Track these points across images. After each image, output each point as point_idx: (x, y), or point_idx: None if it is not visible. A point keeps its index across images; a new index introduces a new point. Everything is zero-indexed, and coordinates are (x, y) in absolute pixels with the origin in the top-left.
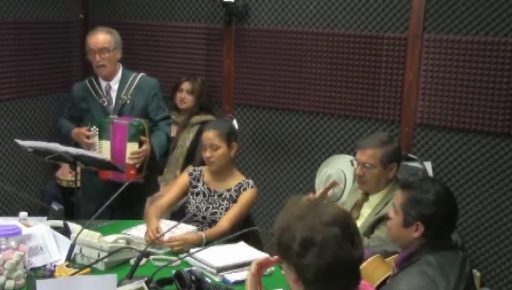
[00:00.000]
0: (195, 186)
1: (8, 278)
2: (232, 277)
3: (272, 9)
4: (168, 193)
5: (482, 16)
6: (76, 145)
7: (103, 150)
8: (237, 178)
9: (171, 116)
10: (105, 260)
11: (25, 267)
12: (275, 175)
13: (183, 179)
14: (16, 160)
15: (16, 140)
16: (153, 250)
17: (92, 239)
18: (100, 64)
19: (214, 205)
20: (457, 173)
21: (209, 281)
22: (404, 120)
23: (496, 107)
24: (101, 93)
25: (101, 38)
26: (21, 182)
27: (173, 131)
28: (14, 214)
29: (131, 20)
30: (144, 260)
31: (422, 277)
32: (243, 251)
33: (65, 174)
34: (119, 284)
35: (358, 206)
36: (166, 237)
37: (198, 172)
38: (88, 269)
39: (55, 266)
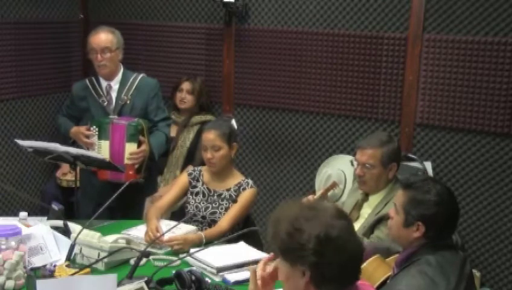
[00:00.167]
0: (195, 186)
1: (8, 278)
2: (232, 277)
3: (272, 9)
4: (168, 193)
5: (482, 16)
6: (74, 143)
7: (102, 150)
8: (237, 178)
9: (171, 117)
10: (105, 260)
11: (25, 267)
12: (275, 175)
13: (183, 179)
14: (15, 160)
15: (15, 140)
16: (153, 250)
17: (92, 239)
18: (102, 64)
19: (213, 204)
20: (457, 173)
21: (209, 281)
22: (404, 120)
23: (496, 107)
24: (101, 93)
25: (104, 37)
26: (21, 182)
27: (173, 131)
28: (14, 214)
29: (132, 20)
30: (144, 260)
31: (423, 277)
32: (243, 251)
33: (65, 174)
34: (119, 284)
35: (358, 206)
36: (166, 237)
37: (198, 172)
38: (88, 269)
39: (55, 266)
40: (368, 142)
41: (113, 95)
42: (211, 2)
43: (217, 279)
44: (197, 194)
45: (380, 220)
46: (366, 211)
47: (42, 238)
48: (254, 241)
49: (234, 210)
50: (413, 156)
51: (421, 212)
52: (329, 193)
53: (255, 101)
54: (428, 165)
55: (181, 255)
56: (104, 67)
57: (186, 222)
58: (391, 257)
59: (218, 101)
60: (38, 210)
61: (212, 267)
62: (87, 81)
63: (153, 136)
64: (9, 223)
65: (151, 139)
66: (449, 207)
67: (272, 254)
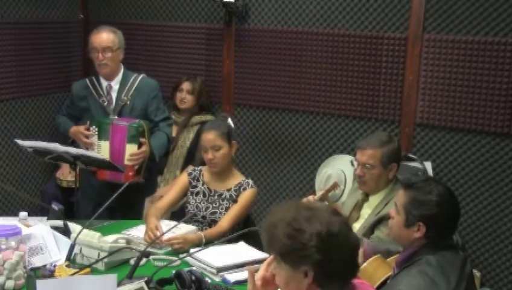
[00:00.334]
0: (195, 186)
1: (8, 278)
2: (232, 277)
3: (272, 9)
4: (168, 193)
5: (482, 16)
6: (74, 143)
7: (102, 151)
8: (237, 178)
9: (172, 117)
10: (105, 260)
11: (25, 267)
12: (275, 175)
13: (183, 179)
14: (16, 160)
15: (15, 140)
16: (153, 250)
17: (92, 239)
18: (103, 63)
19: (213, 204)
20: (457, 173)
21: (209, 281)
22: (404, 120)
23: (496, 107)
24: (101, 92)
25: (105, 37)
26: (21, 182)
27: (173, 131)
28: (14, 214)
29: (132, 20)
30: (144, 260)
31: (423, 277)
32: (243, 251)
33: (65, 175)
34: (119, 284)
35: (358, 206)
36: (165, 237)
37: (198, 172)
38: (88, 269)
39: (55, 266)
40: (368, 143)
41: (114, 95)
42: (211, 2)
43: (217, 279)
44: (197, 194)
45: (380, 221)
46: (366, 212)
47: (42, 238)
48: (254, 241)
49: (234, 210)
50: (413, 156)
51: (422, 213)
52: (330, 194)
53: (255, 101)
54: (428, 165)
55: (181, 255)
56: (105, 66)
57: (186, 222)
58: (391, 257)
59: (218, 101)
60: (38, 210)
61: (212, 267)
62: (87, 80)
63: (154, 136)
64: (9, 223)
65: (152, 140)
66: (450, 208)
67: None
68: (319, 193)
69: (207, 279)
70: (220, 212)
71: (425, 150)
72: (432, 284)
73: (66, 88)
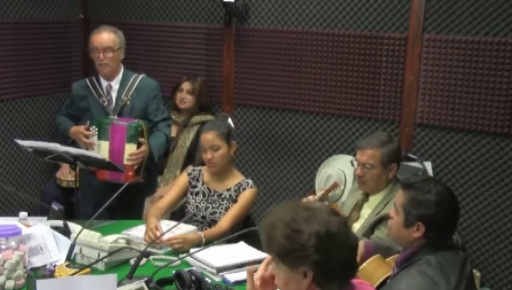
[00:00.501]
0: (195, 186)
1: (8, 278)
2: (232, 277)
3: (272, 9)
4: (168, 193)
5: (482, 16)
6: (74, 143)
7: (102, 151)
8: (237, 178)
9: (172, 117)
10: (105, 260)
11: (25, 267)
12: (275, 175)
13: (183, 179)
14: (16, 160)
15: (15, 140)
16: (153, 250)
17: (92, 239)
18: (103, 63)
19: (213, 204)
20: (457, 173)
21: (209, 281)
22: (404, 120)
23: (496, 107)
24: (101, 92)
25: (106, 37)
26: (21, 182)
27: (173, 131)
28: (14, 214)
29: (132, 20)
30: (144, 260)
31: (423, 277)
32: (243, 251)
33: (65, 175)
34: (119, 284)
35: (358, 206)
36: (165, 237)
37: (198, 172)
38: (88, 269)
39: (55, 266)
40: (368, 143)
41: (114, 95)
42: (211, 2)
43: (217, 279)
44: (197, 194)
45: (380, 221)
46: (366, 212)
47: (42, 238)
48: (254, 241)
49: (234, 210)
50: (413, 156)
51: (422, 213)
52: (330, 194)
53: (255, 101)
54: (428, 165)
55: (181, 255)
56: (106, 66)
57: (186, 222)
58: (391, 257)
59: (218, 101)
60: (38, 210)
61: (212, 267)
62: (87, 80)
63: (153, 136)
64: (9, 223)
65: (151, 140)
66: (449, 207)
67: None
68: (319, 193)
69: (207, 279)
70: (220, 212)
71: (425, 150)
72: (432, 284)
73: (66, 88)
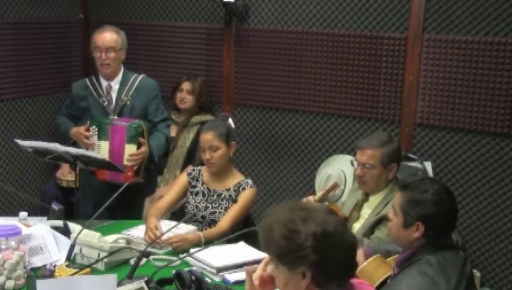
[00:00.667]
0: (195, 186)
1: (8, 278)
2: (232, 277)
3: (272, 9)
4: (168, 193)
5: (482, 16)
6: (75, 144)
7: (101, 151)
8: (236, 178)
9: (172, 117)
10: (105, 260)
11: (25, 267)
12: (275, 175)
13: (182, 179)
14: (16, 160)
15: (15, 140)
16: (153, 250)
17: (92, 239)
18: (105, 63)
19: (213, 204)
20: (457, 173)
21: (209, 281)
22: (404, 120)
23: (496, 107)
24: (101, 92)
25: (109, 37)
26: (21, 182)
27: (173, 131)
28: (14, 214)
29: (132, 20)
30: (144, 260)
31: (423, 277)
32: (243, 251)
33: (65, 174)
34: (119, 284)
35: (358, 206)
36: (165, 237)
37: (197, 172)
38: (88, 269)
39: (55, 266)
40: (368, 143)
41: (113, 95)
42: (211, 2)
43: (217, 279)
44: (196, 194)
45: (380, 221)
46: (366, 212)
47: (42, 238)
48: (254, 241)
49: (234, 210)
50: (413, 156)
51: (420, 212)
52: (330, 194)
53: (255, 101)
54: (428, 165)
55: (181, 255)
56: (108, 66)
57: (186, 222)
58: (391, 257)
59: (218, 101)
60: (38, 210)
61: (212, 267)
62: (87, 80)
63: (152, 137)
64: (9, 223)
65: (151, 140)
66: (448, 206)
67: None
68: (319, 193)
69: (207, 279)
70: (220, 212)
71: (425, 150)
72: (432, 284)
73: (66, 88)
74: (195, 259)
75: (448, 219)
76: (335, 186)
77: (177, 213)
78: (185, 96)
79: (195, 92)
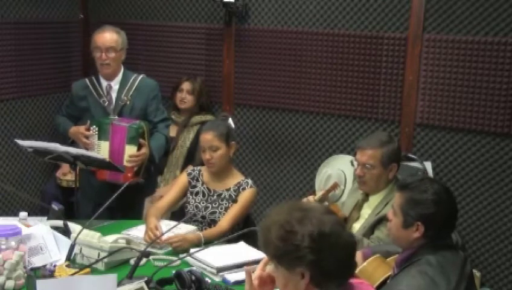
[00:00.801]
0: (195, 186)
1: (8, 278)
2: (232, 277)
3: (272, 9)
4: (168, 193)
5: (482, 16)
6: (74, 143)
7: (101, 151)
8: (236, 178)
9: (172, 117)
10: (105, 260)
11: (25, 267)
12: (275, 175)
13: (182, 179)
14: (16, 160)
15: (15, 140)
16: (153, 250)
17: (92, 239)
18: (105, 63)
19: (213, 204)
20: (457, 173)
21: (209, 281)
22: (404, 120)
23: (496, 107)
24: (101, 92)
25: (109, 37)
26: (21, 182)
27: (173, 131)
28: (14, 214)
29: (132, 20)
30: (144, 260)
31: (423, 277)
32: (243, 251)
33: (65, 174)
34: (119, 284)
35: (358, 206)
36: (165, 237)
37: (197, 172)
38: (88, 269)
39: (55, 266)
40: (368, 143)
41: (113, 95)
42: (211, 2)
43: (217, 279)
44: (196, 194)
45: (380, 221)
46: (366, 212)
47: (42, 238)
48: (254, 241)
49: (234, 210)
50: (413, 156)
51: (420, 212)
52: (330, 194)
53: (255, 101)
54: (428, 165)
55: (181, 255)
56: (108, 66)
57: (186, 222)
58: (391, 257)
59: (218, 101)
60: (38, 210)
61: (212, 267)
62: (87, 80)
63: (152, 138)
64: (9, 223)
65: (152, 141)
66: (447, 206)
67: None
68: (319, 193)
69: (207, 279)
70: (220, 212)
71: (425, 150)
72: (432, 284)
73: (66, 88)
74: (195, 259)
75: (448, 219)
76: (335, 186)
77: (177, 213)
78: (185, 96)
79: (195, 92)
